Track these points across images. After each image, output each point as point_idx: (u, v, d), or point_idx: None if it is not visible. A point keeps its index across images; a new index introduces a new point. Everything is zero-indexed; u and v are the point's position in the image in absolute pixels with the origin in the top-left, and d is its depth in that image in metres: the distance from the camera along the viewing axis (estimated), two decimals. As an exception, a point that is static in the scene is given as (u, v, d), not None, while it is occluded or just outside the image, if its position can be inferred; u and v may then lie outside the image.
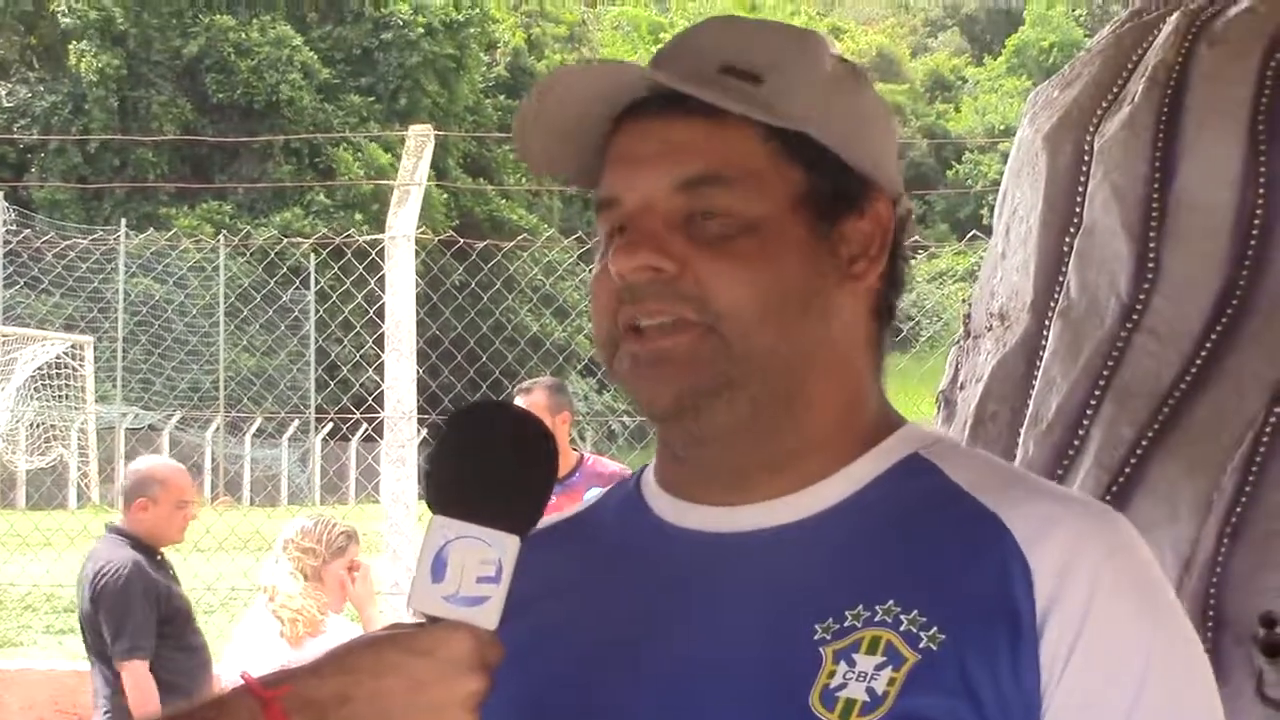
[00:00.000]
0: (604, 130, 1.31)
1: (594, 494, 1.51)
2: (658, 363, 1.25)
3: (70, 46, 38.71)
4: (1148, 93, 2.08)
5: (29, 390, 23.11)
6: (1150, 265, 2.02)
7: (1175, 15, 2.14)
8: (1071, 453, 2.01)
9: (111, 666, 5.55)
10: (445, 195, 36.79)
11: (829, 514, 1.28)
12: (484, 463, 1.19)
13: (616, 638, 1.27)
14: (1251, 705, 1.82)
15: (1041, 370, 2.09)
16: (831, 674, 1.18)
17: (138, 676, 5.44)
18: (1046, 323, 2.11)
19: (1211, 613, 1.86)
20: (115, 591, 5.49)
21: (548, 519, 1.30)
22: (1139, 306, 2.02)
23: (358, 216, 32.85)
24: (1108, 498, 1.93)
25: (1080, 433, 2.01)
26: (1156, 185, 2.04)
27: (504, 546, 1.16)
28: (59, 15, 38.88)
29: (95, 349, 25.54)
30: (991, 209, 2.49)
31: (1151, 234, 2.03)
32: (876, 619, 1.20)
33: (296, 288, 22.81)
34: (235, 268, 26.23)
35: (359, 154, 38.44)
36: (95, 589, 5.52)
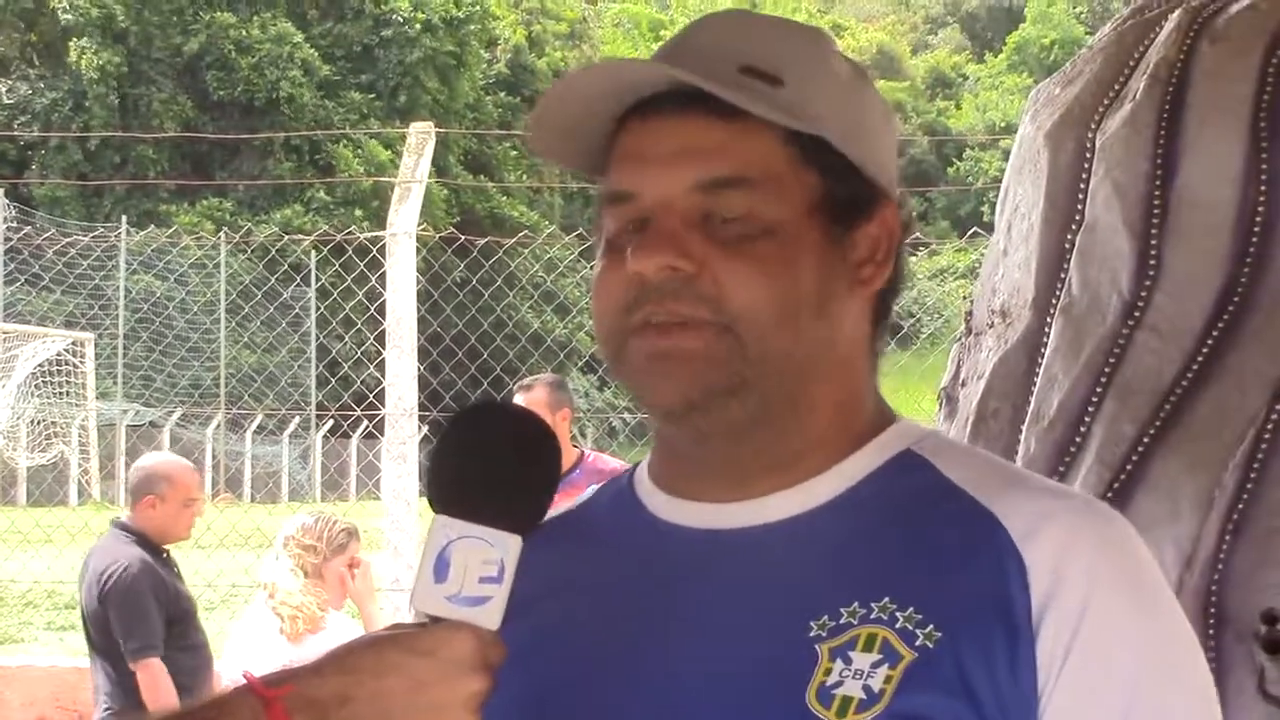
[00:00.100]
0: (609, 124, 1.30)
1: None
2: (671, 360, 1.24)
3: (71, 43, 38.73)
4: (1149, 90, 2.08)
5: (30, 387, 23.12)
6: (1152, 262, 2.02)
7: (1177, 12, 2.14)
8: (1073, 450, 2.01)
9: (114, 663, 5.54)
10: (446, 192, 36.82)
11: (821, 510, 1.28)
12: (486, 463, 1.19)
13: (615, 638, 1.27)
14: (1253, 702, 1.82)
15: (1043, 367, 2.09)
16: (828, 671, 1.18)
17: (153, 675, 5.42)
18: (1048, 320, 2.11)
19: (1213, 610, 1.86)
20: (124, 590, 5.47)
21: None
22: (1140, 303, 2.02)
23: (358, 213, 32.89)
24: (1109, 495, 1.93)
25: (1082, 430, 2.01)
26: (1158, 182, 2.04)
27: (506, 546, 1.16)
28: (59, 12, 38.89)
29: (96, 346, 25.55)
30: (992, 206, 2.49)
31: (1153, 231, 2.03)
32: (872, 616, 1.20)
33: (297, 284, 22.81)
34: (236, 264, 26.25)
35: (359, 151, 38.45)
36: (103, 587, 5.51)
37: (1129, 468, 1.96)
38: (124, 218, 28.06)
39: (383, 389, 7.37)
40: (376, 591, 5.91)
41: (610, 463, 6.51)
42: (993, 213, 2.41)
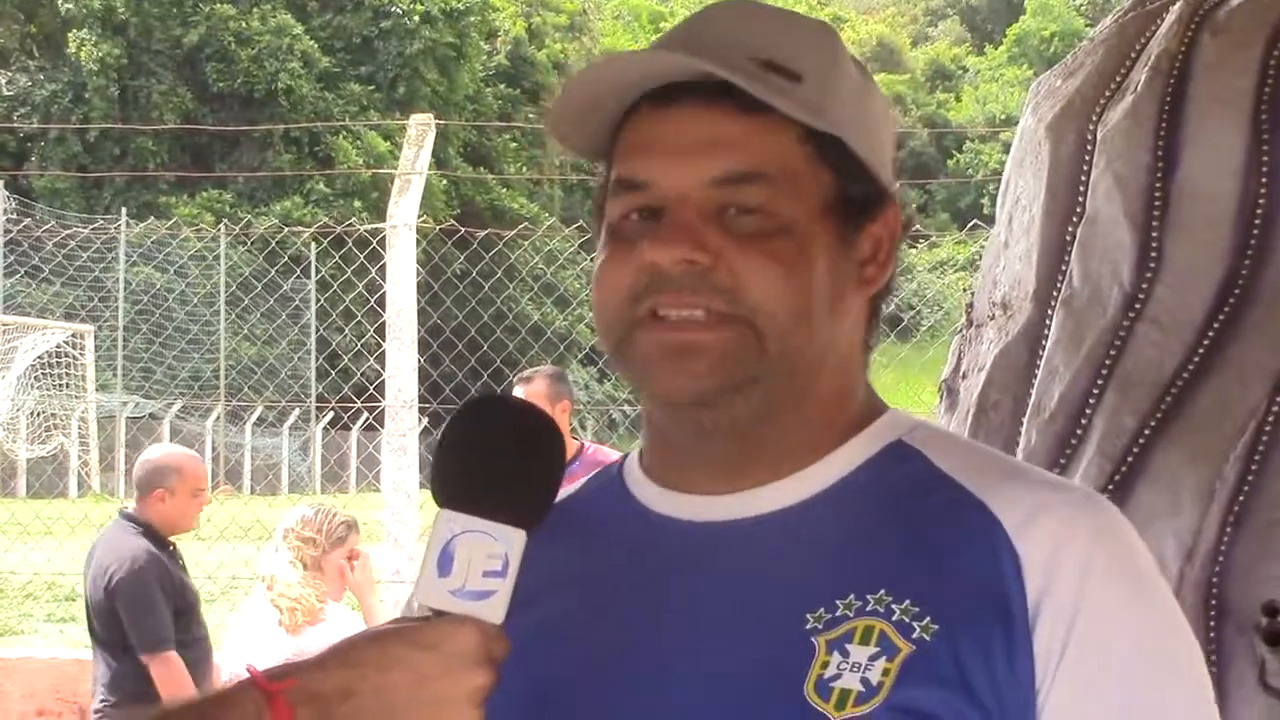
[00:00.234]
0: (619, 112, 1.29)
1: None
2: (685, 354, 1.24)
3: (70, 35, 38.73)
4: (1150, 82, 2.08)
5: (30, 379, 23.14)
6: (1153, 254, 2.02)
7: (1178, 4, 2.14)
8: (1074, 442, 2.02)
9: (115, 656, 5.53)
10: (446, 184, 36.82)
11: (814, 502, 1.27)
12: (489, 457, 1.19)
13: (611, 633, 1.27)
14: (1254, 694, 1.82)
15: (1044, 359, 2.09)
16: (825, 664, 1.18)
17: (169, 667, 5.39)
18: (1049, 312, 2.11)
19: (1214, 602, 1.86)
20: (133, 583, 5.44)
21: None
22: (1141, 296, 2.02)
23: (357, 205, 32.87)
24: (1110, 487, 1.93)
25: (1083, 422, 2.01)
26: (1159, 175, 2.04)
27: (510, 541, 1.16)
28: (59, 3, 38.90)
29: (96, 338, 25.57)
30: (992, 198, 2.49)
31: (1154, 223, 2.03)
32: (868, 609, 1.19)
33: (297, 276, 22.84)
34: (236, 256, 26.26)
35: (358, 142, 38.45)
36: (110, 580, 5.48)
37: (1130, 460, 1.96)
38: (124, 209, 28.02)
39: (383, 381, 7.37)
40: (376, 584, 5.91)
41: (610, 455, 6.51)
42: (993, 205, 2.41)
